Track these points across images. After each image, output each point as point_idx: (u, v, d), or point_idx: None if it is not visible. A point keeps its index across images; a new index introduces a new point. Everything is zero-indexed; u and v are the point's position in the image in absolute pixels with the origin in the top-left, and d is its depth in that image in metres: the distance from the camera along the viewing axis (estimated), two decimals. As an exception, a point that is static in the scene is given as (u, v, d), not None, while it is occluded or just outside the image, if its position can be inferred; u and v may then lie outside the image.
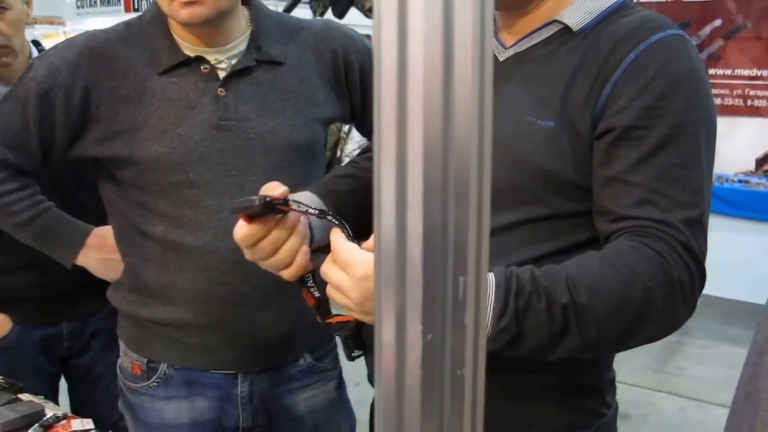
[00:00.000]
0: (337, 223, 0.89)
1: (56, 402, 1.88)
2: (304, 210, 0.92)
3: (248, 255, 0.95)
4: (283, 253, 0.92)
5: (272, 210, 0.90)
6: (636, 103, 0.85)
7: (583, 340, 0.79)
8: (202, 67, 1.23)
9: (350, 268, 0.80)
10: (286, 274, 0.94)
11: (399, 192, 0.32)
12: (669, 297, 0.81)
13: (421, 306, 0.33)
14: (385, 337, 0.34)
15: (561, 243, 0.92)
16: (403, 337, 0.34)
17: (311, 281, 0.97)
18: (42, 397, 1.47)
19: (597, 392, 1.02)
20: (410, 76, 0.30)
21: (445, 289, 0.33)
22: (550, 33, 0.95)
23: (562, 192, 0.90)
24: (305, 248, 0.94)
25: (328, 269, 0.83)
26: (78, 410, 1.94)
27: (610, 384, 1.05)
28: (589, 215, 0.91)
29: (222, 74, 1.24)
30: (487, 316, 0.76)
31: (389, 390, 0.35)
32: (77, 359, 1.80)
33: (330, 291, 0.85)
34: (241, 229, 0.91)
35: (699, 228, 0.85)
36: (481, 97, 0.31)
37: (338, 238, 0.85)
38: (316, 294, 0.97)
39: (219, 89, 1.23)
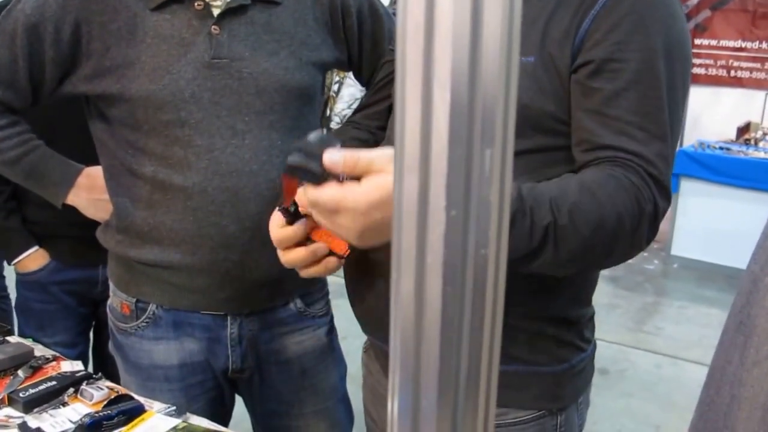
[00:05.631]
0: None
1: (86, 342, 1.97)
2: None
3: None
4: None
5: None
6: (612, 36, 0.88)
7: (556, 258, 0.82)
8: (195, 4, 1.20)
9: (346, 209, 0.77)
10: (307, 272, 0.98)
11: (425, 60, 0.31)
12: (637, 226, 0.85)
13: (445, 179, 0.32)
14: (407, 212, 0.33)
15: (536, 178, 0.94)
16: (425, 213, 0.33)
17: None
18: (31, 339, 1.47)
19: (577, 326, 1.05)
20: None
21: (471, 162, 0.32)
22: None
23: (541, 126, 0.92)
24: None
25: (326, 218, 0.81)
26: (96, 352, 2.00)
27: (589, 320, 1.08)
28: (565, 150, 0.93)
29: (216, 12, 1.21)
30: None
31: (408, 269, 0.34)
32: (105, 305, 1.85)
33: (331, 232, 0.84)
34: (276, 234, 0.95)
35: (669, 159, 0.89)
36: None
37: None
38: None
39: (213, 27, 1.21)
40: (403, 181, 0.33)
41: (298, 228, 0.93)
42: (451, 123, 0.32)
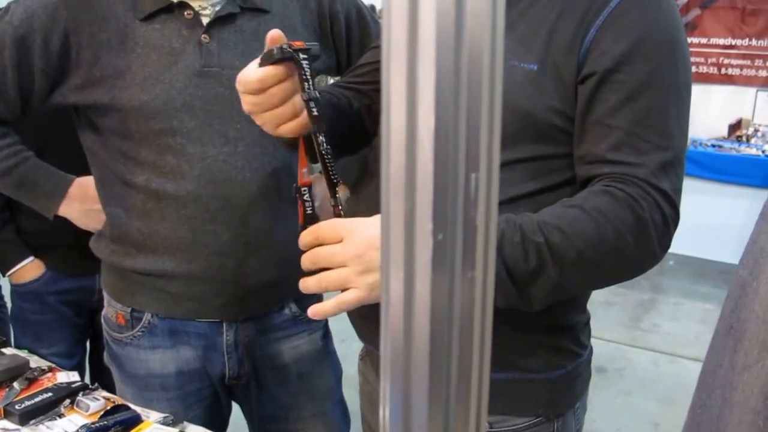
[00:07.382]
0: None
1: (83, 351, 1.96)
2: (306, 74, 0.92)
3: (251, 103, 0.92)
4: (290, 104, 0.91)
5: (288, 58, 0.91)
6: (617, 47, 0.88)
7: (561, 278, 0.82)
8: (185, 13, 1.20)
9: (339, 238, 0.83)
10: (288, 128, 0.93)
11: (409, 86, 0.32)
12: (641, 236, 0.84)
13: (431, 204, 0.33)
14: (394, 237, 0.33)
15: (537, 186, 0.94)
16: (412, 237, 0.33)
17: (308, 194, 0.97)
18: (26, 350, 1.47)
19: (572, 333, 1.04)
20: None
21: (457, 186, 0.33)
22: None
23: (542, 135, 0.92)
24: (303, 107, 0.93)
25: (319, 249, 0.85)
26: (93, 362, 1.99)
27: (585, 325, 1.08)
28: (566, 158, 0.93)
29: (205, 21, 1.22)
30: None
31: (397, 293, 0.34)
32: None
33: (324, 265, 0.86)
34: (259, 71, 0.90)
35: (673, 169, 0.88)
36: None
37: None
38: (308, 210, 0.97)
39: (202, 36, 1.21)
40: (390, 206, 0.33)
41: (276, 69, 0.90)
42: (436, 147, 0.32)
